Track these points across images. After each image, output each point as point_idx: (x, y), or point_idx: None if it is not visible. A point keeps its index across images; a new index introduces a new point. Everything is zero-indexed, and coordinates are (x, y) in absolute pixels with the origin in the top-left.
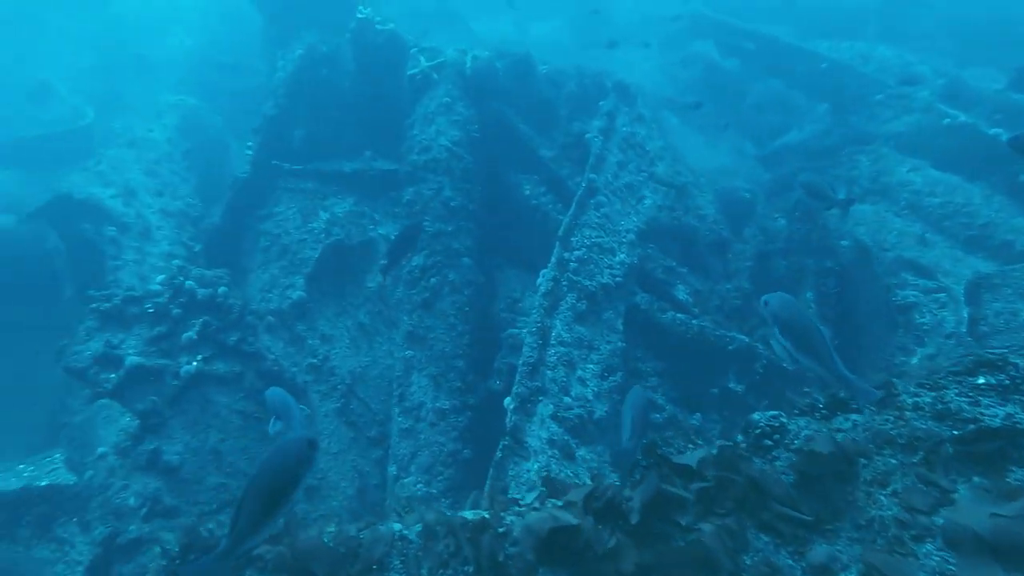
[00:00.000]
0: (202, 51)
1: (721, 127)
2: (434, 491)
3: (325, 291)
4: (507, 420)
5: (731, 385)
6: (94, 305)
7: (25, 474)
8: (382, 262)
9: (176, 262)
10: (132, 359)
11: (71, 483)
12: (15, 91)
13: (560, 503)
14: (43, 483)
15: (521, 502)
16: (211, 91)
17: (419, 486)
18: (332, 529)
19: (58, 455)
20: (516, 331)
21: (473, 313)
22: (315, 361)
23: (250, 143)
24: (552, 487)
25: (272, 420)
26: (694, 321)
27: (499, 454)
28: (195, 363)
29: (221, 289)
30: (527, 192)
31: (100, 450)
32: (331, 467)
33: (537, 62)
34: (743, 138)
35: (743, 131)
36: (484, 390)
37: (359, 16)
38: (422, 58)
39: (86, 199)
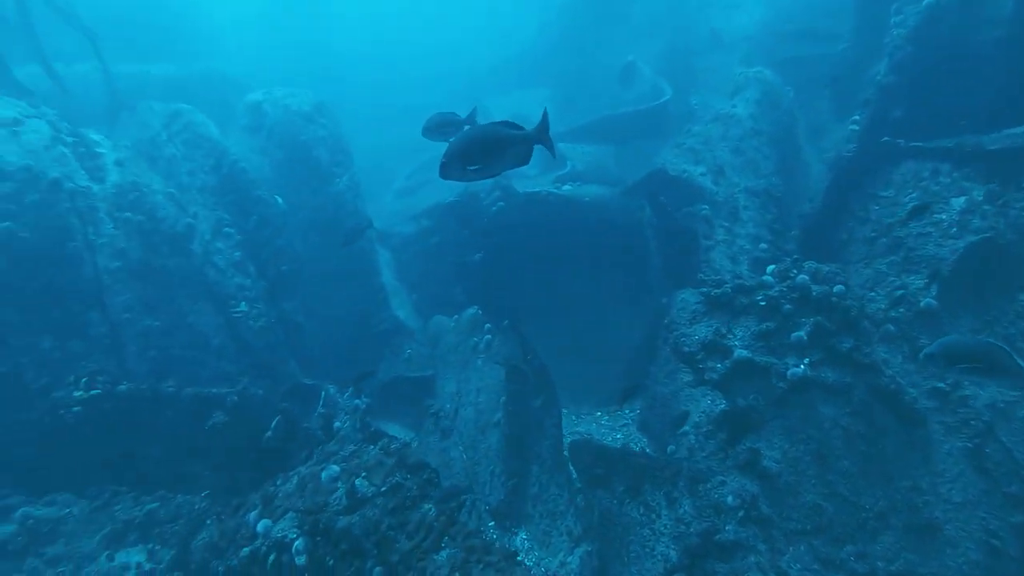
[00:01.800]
0: (771, 21)
1: None
2: None
3: (960, 298)
4: None
5: None
6: (704, 290)
7: (603, 421)
8: None
9: (763, 245)
10: (740, 352)
11: (655, 454)
12: (609, 74)
13: None
14: (635, 447)
15: None
16: (779, 62)
17: None
18: None
19: (627, 411)
20: None
21: None
22: (943, 386)
23: (856, 116)
24: None
25: None
26: None
27: None
28: (802, 366)
29: (837, 288)
30: None
31: (683, 428)
32: (950, 517)
33: None
34: None
35: None
36: None
37: None
38: None
39: (678, 175)
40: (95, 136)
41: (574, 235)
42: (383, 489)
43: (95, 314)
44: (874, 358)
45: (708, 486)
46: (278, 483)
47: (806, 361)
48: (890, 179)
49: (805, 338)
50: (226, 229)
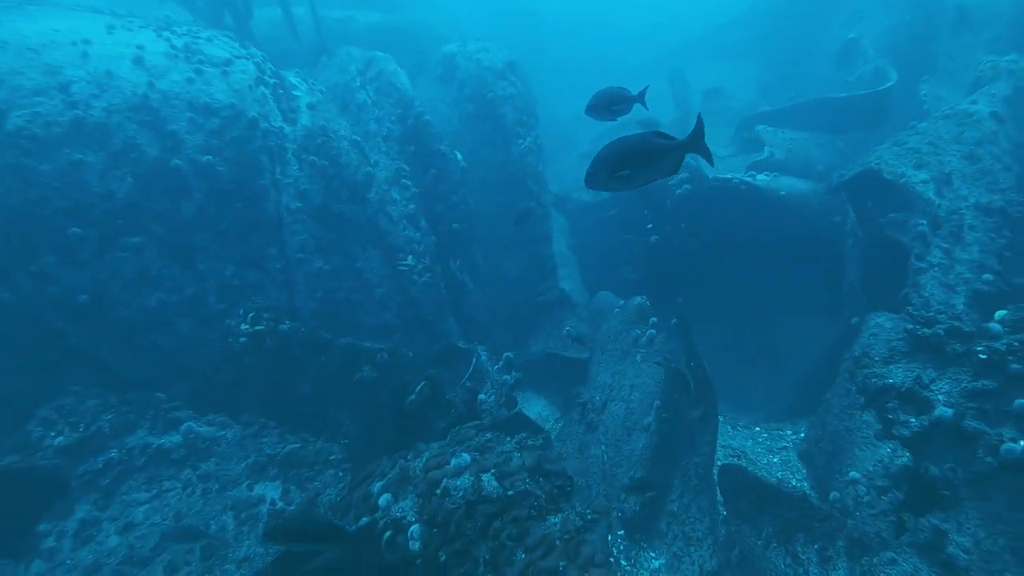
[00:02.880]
0: None
1: None
2: None
3: None
4: None
5: None
6: (911, 326)
7: (761, 438)
8: None
9: (987, 276)
10: (943, 410)
11: (815, 501)
12: (826, 52)
13: None
14: (794, 483)
15: None
16: None
17: None
18: None
19: (788, 432)
20: None
21: None
22: None
23: None
24: None
25: None
26: None
27: None
28: (1023, 443)
29: None
30: None
31: (852, 474)
32: None
33: None
34: None
35: None
36: None
37: None
38: None
39: (894, 180)
40: (293, 79)
41: (761, 229)
42: (510, 493)
43: (274, 249)
44: None
45: (874, 560)
46: (408, 457)
47: None
48: None
49: None
50: (404, 180)
